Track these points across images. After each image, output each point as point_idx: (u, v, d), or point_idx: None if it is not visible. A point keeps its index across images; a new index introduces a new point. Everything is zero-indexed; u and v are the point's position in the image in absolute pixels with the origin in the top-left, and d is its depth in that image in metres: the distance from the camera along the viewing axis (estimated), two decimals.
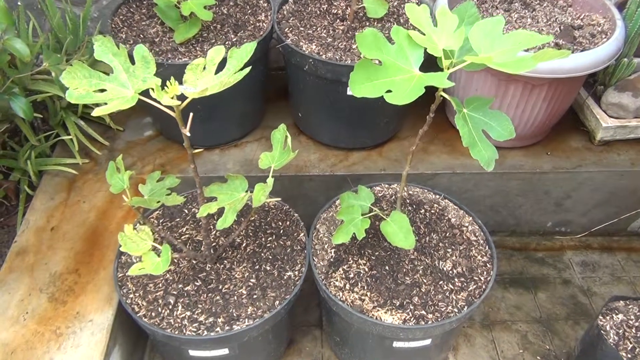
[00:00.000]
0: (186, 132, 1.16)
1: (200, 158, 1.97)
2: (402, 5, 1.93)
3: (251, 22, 1.86)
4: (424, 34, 1.09)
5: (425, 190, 1.78)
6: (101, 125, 2.06)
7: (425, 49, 1.08)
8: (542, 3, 1.99)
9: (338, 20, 1.87)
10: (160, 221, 1.67)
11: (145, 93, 1.07)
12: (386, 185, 1.80)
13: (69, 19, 1.92)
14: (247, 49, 1.12)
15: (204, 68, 1.12)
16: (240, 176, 1.39)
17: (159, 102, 1.06)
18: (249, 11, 1.90)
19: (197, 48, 1.74)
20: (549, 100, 1.78)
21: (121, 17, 1.85)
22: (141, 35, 1.78)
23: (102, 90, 1.11)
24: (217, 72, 1.10)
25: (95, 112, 1.06)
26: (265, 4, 1.93)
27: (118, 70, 1.12)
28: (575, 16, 1.94)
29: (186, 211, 1.70)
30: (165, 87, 1.08)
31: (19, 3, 1.88)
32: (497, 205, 2.09)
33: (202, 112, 1.81)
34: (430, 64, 1.12)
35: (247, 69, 1.08)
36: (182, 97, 1.07)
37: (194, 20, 1.74)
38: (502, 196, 2.05)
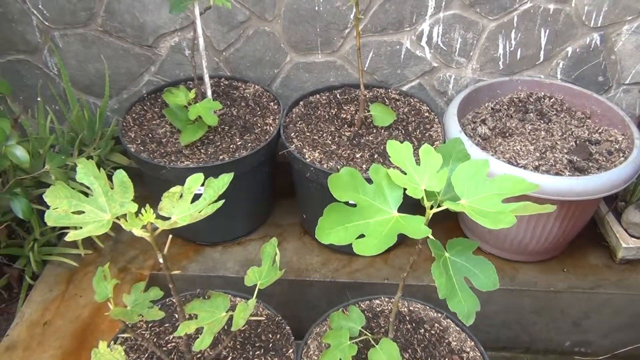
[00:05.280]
0: (160, 257, 1.14)
1: (201, 255, 1.95)
2: (411, 113, 1.92)
3: (259, 124, 1.87)
4: (405, 173, 1.05)
5: (427, 308, 1.69)
6: None
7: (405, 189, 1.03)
8: (559, 114, 1.94)
9: (346, 125, 1.86)
10: (149, 325, 1.63)
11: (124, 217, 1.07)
12: (386, 299, 1.72)
13: (86, 112, 1.98)
14: (225, 180, 1.11)
15: (181, 196, 1.12)
16: (223, 294, 1.35)
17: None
18: (259, 113, 1.92)
19: (202, 151, 1.76)
20: (562, 219, 1.70)
21: (134, 115, 1.90)
22: (149, 135, 1.82)
23: (81, 212, 1.11)
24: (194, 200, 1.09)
25: (69, 237, 1.05)
26: (276, 106, 1.95)
27: (97, 193, 1.12)
28: (593, 129, 1.88)
29: (176, 316, 1.66)
30: (140, 215, 1.07)
31: (38, 99, 1.96)
32: (509, 322, 1.97)
33: None
34: (410, 204, 1.07)
35: (221, 202, 1.07)
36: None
37: (201, 123, 1.77)
38: (515, 313, 1.93)
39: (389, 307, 1.70)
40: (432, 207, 1.05)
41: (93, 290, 1.84)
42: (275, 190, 2.11)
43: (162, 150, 1.76)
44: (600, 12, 1.89)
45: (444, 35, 1.98)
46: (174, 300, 1.70)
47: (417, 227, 0.97)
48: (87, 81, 2.15)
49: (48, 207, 1.06)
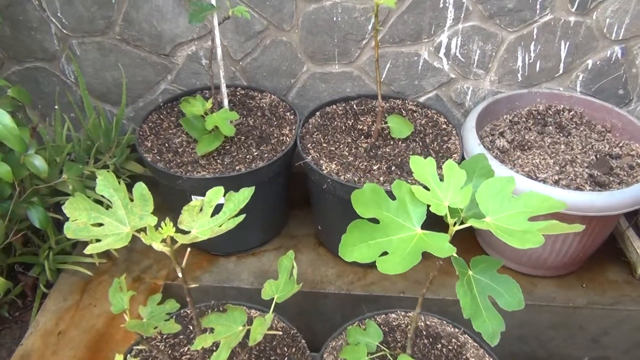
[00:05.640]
0: (179, 271, 1.13)
1: (215, 265, 1.94)
2: (429, 124, 1.90)
3: (275, 135, 1.86)
4: (429, 189, 1.04)
5: (444, 322, 1.66)
6: None
7: (429, 206, 1.02)
8: (579, 127, 1.92)
9: (362, 137, 1.85)
10: (164, 337, 1.62)
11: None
12: (402, 313, 1.69)
13: (102, 121, 1.98)
14: (246, 194, 1.10)
15: (201, 209, 1.11)
16: (240, 308, 1.33)
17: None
18: (275, 123, 1.91)
19: (218, 161, 1.75)
20: (582, 234, 1.67)
21: (150, 124, 1.90)
22: (166, 145, 1.81)
23: (100, 224, 1.10)
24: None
25: (87, 250, 1.04)
26: (292, 117, 1.94)
27: (117, 205, 1.11)
28: (614, 143, 1.85)
29: (191, 327, 1.64)
30: (160, 228, 1.06)
31: (56, 107, 1.96)
32: (526, 337, 1.94)
33: None
34: (433, 221, 1.05)
35: (242, 217, 1.06)
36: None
37: (217, 133, 1.76)
38: (532, 328, 1.90)
39: (406, 321, 1.68)
40: (455, 224, 1.03)
41: (107, 299, 1.83)
42: (290, 201, 2.10)
43: (179, 160, 1.75)
44: (622, 25, 1.87)
45: (462, 47, 1.96)
46: (188, 311, 1.69)
47: (442, 245, 0.95)
48: (103, 89, 2.16)
49: (64, 215, 1.06)
